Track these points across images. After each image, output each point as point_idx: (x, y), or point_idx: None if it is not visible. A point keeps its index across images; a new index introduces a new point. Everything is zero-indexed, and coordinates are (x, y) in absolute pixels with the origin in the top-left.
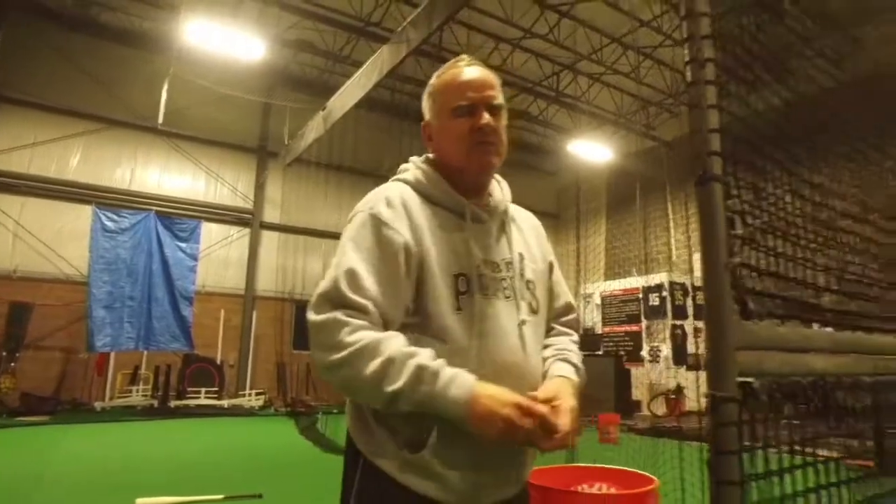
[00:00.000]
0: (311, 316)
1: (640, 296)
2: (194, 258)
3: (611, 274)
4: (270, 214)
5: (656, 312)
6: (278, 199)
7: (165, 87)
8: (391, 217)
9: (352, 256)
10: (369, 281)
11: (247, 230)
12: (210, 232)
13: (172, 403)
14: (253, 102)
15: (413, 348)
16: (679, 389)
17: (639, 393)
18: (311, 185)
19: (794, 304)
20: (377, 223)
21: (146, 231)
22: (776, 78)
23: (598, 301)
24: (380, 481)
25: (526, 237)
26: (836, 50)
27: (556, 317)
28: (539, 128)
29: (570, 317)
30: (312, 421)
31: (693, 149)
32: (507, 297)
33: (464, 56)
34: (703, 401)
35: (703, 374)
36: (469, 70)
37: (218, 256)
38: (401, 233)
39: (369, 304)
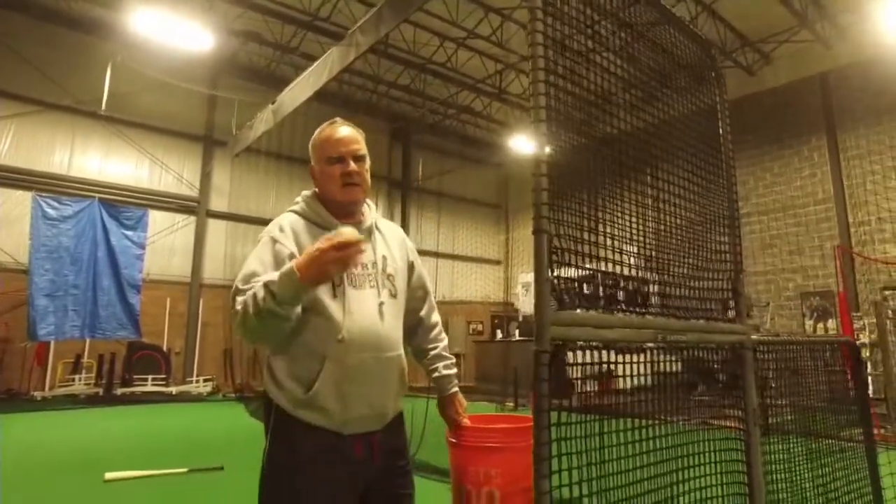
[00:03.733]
0: (231, 305)
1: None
2: (141, 247)
3: None
4: (217, 203)
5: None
6: (225, 187)
7: (108, 72)
8: (281, 237)
9: (253, 264)
10: (261, 278)
11: (193, 218)
12: (155, 220)
13: (118, 391)
14: (200, 90)
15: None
16: (609, 372)
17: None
18: (261, 175)
19: (596, 299)
20: (272, 242)
21: (91, 219)
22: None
23: None
24: (282, 416)
25: (389, 244)
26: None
27: (418, 300)
28: (483, 122)
29: (428, 304)
30: (261, 404)
31: (534, 213)
32: (372, 287)
33: (337, 118)
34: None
35: (633, 357)
36: (341, 129)
37: (163, 244)
38: (287, 246)
39: None
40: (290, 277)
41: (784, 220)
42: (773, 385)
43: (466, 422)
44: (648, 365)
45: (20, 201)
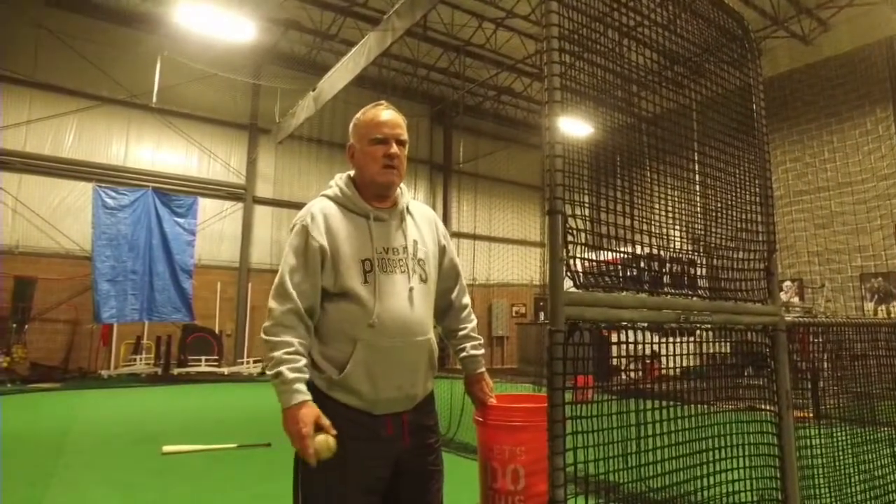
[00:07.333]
0: (269, 301)
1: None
2: (192, 233)
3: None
4: (263, 189)
5: (634, 282)
6: (270, 174)
7: (158, 65)
8: (313, 228)
9: (290, 259)
10: (298, 278)
11: (240, 205)
12: (204, 207)
13: (175, 371)
14: (243, 80)
15: (290, 356)
16: (654, 355)
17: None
18: (303, 161)
19: (611, 278)
20: (305, 233)
21: (145, 207)
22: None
23: None
24: (318, 395)
25: (420, 228)
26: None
27: (450, 280)
28: (524, 103)
29: (459, 286)
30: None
31: (548, 194)
32: (403, 272)
33: (382, 101)
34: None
35: (680, 341)
36: (386, 112)
37: (213, 231)
38: (318, 240)
39: (295, 294)
40: (282, 403)
41: (841, 199)
42: (829, 372)
43: (493, 401)
44: (692, 347)
45: (83, 192)
